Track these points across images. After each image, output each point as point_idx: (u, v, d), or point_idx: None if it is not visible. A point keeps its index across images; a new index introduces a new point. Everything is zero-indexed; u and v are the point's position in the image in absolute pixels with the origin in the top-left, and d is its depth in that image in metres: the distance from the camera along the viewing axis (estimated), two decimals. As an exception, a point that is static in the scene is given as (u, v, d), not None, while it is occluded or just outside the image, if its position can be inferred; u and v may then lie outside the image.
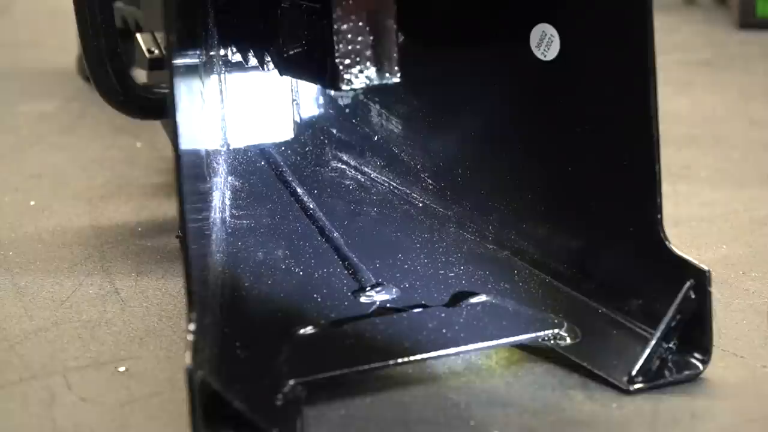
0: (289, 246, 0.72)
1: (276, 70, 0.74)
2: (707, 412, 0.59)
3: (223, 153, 0.77)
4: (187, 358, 0.51)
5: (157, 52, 0.83)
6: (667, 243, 0.62)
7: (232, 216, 0.74)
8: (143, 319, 0.70)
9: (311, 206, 0.75)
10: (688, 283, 0.61)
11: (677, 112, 1.07)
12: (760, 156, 0.98)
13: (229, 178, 0.77)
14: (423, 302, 0.66)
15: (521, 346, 0.65)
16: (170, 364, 0.64)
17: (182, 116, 0.53)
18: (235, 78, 0.77)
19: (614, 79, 0.64)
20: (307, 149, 0.81)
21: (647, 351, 0.61)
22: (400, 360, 0.61)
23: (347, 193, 0.78)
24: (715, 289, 0.61)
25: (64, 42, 1.27)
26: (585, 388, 0.61)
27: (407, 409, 0.59)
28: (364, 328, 0.64)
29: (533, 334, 0.64)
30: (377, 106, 0.81)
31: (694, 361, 0.62)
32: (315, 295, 0.67)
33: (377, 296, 0.67)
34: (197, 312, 0.53)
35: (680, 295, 0.61)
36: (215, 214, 0.68)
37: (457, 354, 0.63)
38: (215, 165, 0.71)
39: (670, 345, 0.62)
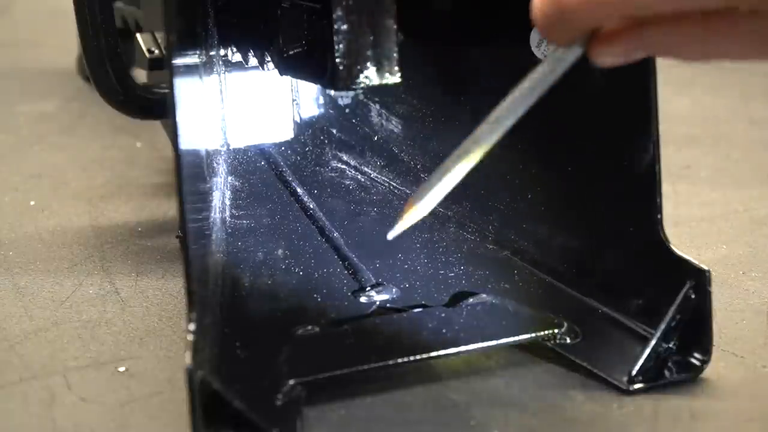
0: (289, 246, 0.72)
1: (276, 70, 0.74)
2: (707, 412, 0.59)
3: (223, 153, 0.77)
4: (187, 358, 0.52)
5: (157, 52, 0.83)
6: (667, 243, 0.62)
7: (232, 216, 0.74)
8: (143, 319, 0.70)
9: (311, 206, 0.75)
10: (688, 283, 0.61)
11: (677, 112, 1.07)
12: (760, 156, 0.98)
13: (229, 178, 0.77)
14: (423, 302, 0.66)
15: (521, 346, 0.65)
16: (170, 364, 0.64)
17: (182, 116, 0.53)
18: (235, 78, 0.77)
19: (614, 78, 0.64)
20: (307, 149, 0.81)
21: (647, 351, 0.61)
22: (400, 360, 0.61)
23: (347, 193, 0.78)
24: (715, 289, 0.61)
25: (64, 42, 1.26)
26: (585, 388, 0.61)
27: (407, 409, 0.59)
28: (364, 328, 0.64)
29: (533, 334, 0.64)
30: (377, 106, 0.81)
31: (694, 361, 0.62)
32: (315, 295, 0.67)
33: (377, 296, 0.67)
34: (197, 312, 0.53)
35: (680, 295, 0.61)
36: (215, 214, 0.68)
37: (457, 354, 0.63)
38: (215, 165, 0.71)
39: (670, 345, 0.62)
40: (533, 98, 0.53)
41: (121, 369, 0.64)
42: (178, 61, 0.54)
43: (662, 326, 0.61)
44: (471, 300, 0.66)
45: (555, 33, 0.50)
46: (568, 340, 0.64)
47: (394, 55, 0.67)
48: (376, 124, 0.81)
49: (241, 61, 0.76)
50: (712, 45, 0.49)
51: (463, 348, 0.62)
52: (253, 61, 0.76)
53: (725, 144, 1.00)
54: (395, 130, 0.80)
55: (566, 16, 0.48)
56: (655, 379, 0.61)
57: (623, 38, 0.49)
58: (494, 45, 0.71)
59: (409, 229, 0.66)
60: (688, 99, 1.12)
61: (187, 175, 0.54)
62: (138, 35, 0.85)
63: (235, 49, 0.76)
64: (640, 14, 0.49)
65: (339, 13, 0.65)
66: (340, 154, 0.81)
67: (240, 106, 0.78)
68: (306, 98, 0.81)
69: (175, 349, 0.66)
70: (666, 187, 0.62)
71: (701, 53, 0.49)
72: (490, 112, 0.54)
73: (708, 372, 0.62)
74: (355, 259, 0.70)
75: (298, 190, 0.77)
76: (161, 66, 0.81)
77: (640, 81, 0.62)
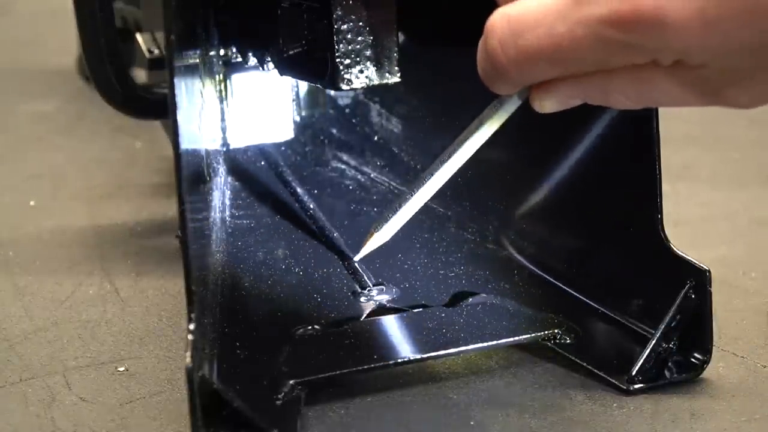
0: (289, 246, 0.72)
1: (276, 70, 0.74)
2: (707, 412, 0.59)
3: (223, 153, 0.77)
4: (187, 358, 0.51)
5: (157, 52, 0.83)
6: (667, 243, 0.62)
7: (232, 216, 0.74)
8: (143, 319, 0.70)
9: (311, 206, 0.75)
10: (688, 283, 0.61)
11: (677, 111, 1.07)
12: (760, 156, 0.98)
13: (229, 178, 0.77)
14: (423, 302, 0.66)
15: (521, 346, 0.65)
16: (170, 364, 0.64)
17: (182, 116, 0.53)
18: (235, 78, 0.77)
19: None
20: (307, 149, 0.81)
21: (647, 351, 0.61)
22: (400, 360, 0.61)
23: (347, 193, 0.78)
24: (715, 289, 0.61)
25: (64, 42, 1.27)
26: (585, 388, 0.61)
27: (407, 409, 0.59)
28: (364, 328, 0.64)
29: (533, 334, 0.64)
30: (377, 106, 0.81)
31: (694, 361, 0.62)
32: (315, 295, 0.67)
33: (377, 296, 0.67)
34: (197, 312, 0.53)
35: (680, 295, 0.61)
36: (215, 214, 0.68)
37: (457, 354, 0.63)
38: (215, 165, 0.71)
39: (670, 345, 0.62)
40: (481, 140, 0.58)
41: (121, 369, 0.64)
42: (178, 61, 0.54)
43: (662, 326, 0.61)
44: (471, 300, 0.66)
45: (495, 86, 0.53)
46: (568, 340, 0.64)
47: (394, 55, 0.67)
48: (376, 124, 0.81)
49: (241, 61, 0.76)
50: (642, 93, 0.51)
51: (463, 348, 0.62)
52: (253, 61, 0.76)
53: (725, 144, 1.00)
54: (395, 130, 0.80)
55: (501, 73, 0.51)
56: (655, 379, 0.61)
57: (559, 89, 0.52)
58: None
59: (409, 229, 0.66)
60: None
61: (187, 175, 0.54)
62: (138, 35, 0.85)
63: (235, 49, 0.76)
64: (569, 72, 0.51)
65: (339, 13, 0.65)
66: (340, 154, 0.81)
67: (240, 106, 0.78)
68: (306, 98, 0.81)
69: (175, 349, 0.66)
70: (666, 187, 0.62)
71: (633, 101, 0.51)
72: (444, 151, 0.59)
73: (708, 372, 0.62)
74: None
75: (298, 190, 0.77)
76: (161, 66, 0.82)
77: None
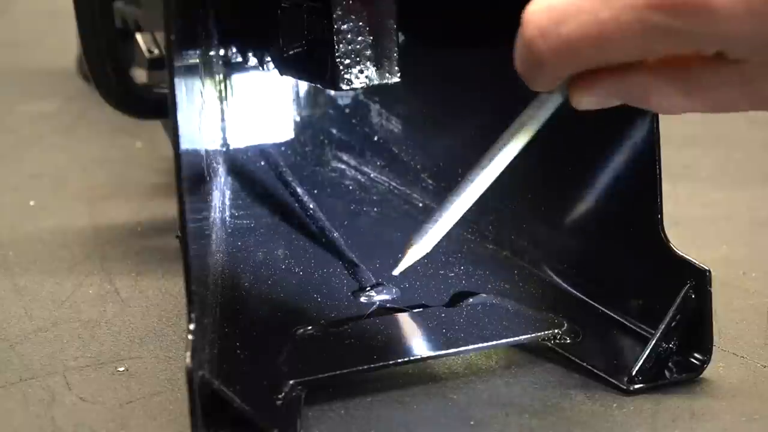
0: (289, 246, 0.72)
1: (276, 70, 0.74)
2: (707, 412, 0.59)
3: (223, 153, 0.77)
4: (187, 358, 0.51)
5: (157, 52, 0.83)
6: (667, 243, 0.62)
7: (232, 216, 0.74)
8: (143, 319, 0.70)
9: (311, 206, 0.75)
10: (688, 283, 0.61)
11: (677, 112, 1.07)
12: (761, 156, 0.98)
13: (229, 178, 0.77)
14: (423, 302, 0.66)
15: (521, 346, 0.65)
16: (170, 364, 0.64)
17: (182, 116, 0.53)
18: (235, 78, 0.77)
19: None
20: (307, 149, 0.81)
21: (647, 351, 0.61)
22: (400, 360, 0.61)
23: (347, 193, 0.78)
24: (715, 289, 0.61)
25: (64, 42, 1.27)
26: (585, 388, 0.61)
27: (407, 409, 0.59)
28: (364, 328, 0.64)
29: (533, 334, 0.64)
30: (377, 106, 0.81)
31: (694, 361, 0.62)
32: (315, 295, 0.67)
33: (377, 296, 0.67)
34: (197, 312, 0.53)
35: (680, 296, 0.61)
36: (215, 214, 0.68)
37: (457, 354, 0.63)
38: (215, 165, 0.71)
39: (670, 345, 0.62)
40: (523, 141, 0.56)
41: (121, 369, 0.64)
42: (178, 61, 0.54)
43: (662, 326, 0.61)
44: (471, 300, 0.66)
45: (534, 81, 0.52)
46: (568, 340, 0.64)
47: (394, 55, 0.67)
48: (376, 124, 0.81)
49: (241, 61, 0.76)
50: (682, 92, 0.49)
51: (463, 348, 0.62)
52: (253, 61, 0.76)
53: (725, 144, 1.00)
54: (395, 130, 0.80)
55: (542, 64, 0.50)
56: (655, 379, 0.61)
57: (601, 85, 0.51)
58: (494, 44, 0.71)
59: (408, 229, 0.66)
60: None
61: (187, 175, 0.54)
62: (138, 35, 0.85)
63: (235, 49, 0.76)
64: (613, 60, 0.50)
65: (339, 13, 0.65)
66: (340, 154, 0.81)
67: (240, 106, 0.78)
68: (306, 98, 0.81)
69: (175, 349, 0.66)
70: (666, 187, 0.62)
71: (672, 102, 0.50)
72: (483, 155, 0.57)
73: (708, 372, 0.62)
74: (355, 259, 0.70)
75: (298, 190, 0.77)
76: (161, 66, 0.82)
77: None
